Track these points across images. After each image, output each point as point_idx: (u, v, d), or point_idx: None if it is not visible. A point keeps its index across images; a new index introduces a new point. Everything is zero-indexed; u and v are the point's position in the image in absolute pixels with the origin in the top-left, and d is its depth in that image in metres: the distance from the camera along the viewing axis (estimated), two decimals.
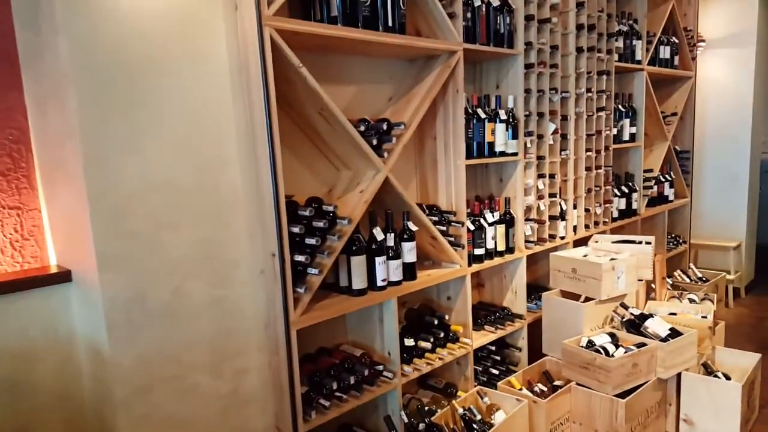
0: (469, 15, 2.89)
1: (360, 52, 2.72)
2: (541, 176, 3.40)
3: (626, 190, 4.23)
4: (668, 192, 4.80)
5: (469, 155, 2.95)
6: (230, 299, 2.27)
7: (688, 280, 4.65)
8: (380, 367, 2.53)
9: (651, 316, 2.96)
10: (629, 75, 4.35)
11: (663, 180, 4.71)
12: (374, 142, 2.46)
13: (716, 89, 5.19)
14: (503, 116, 3.12)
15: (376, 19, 2.45)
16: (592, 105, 3.79)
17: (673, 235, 4.98)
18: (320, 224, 2.27)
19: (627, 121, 4.24)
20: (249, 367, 2.32)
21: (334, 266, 2.50)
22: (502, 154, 3.14)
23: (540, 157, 3.39)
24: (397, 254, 2.61)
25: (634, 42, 4.22)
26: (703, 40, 5.12)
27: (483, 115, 3.03)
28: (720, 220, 5.22)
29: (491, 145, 3.10)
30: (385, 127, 2.50)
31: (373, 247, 2.52)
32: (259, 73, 2.09)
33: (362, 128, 2.44)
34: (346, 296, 2.49)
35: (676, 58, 4.76)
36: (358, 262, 2.46)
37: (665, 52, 4.60)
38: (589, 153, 3.79)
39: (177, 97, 2.06)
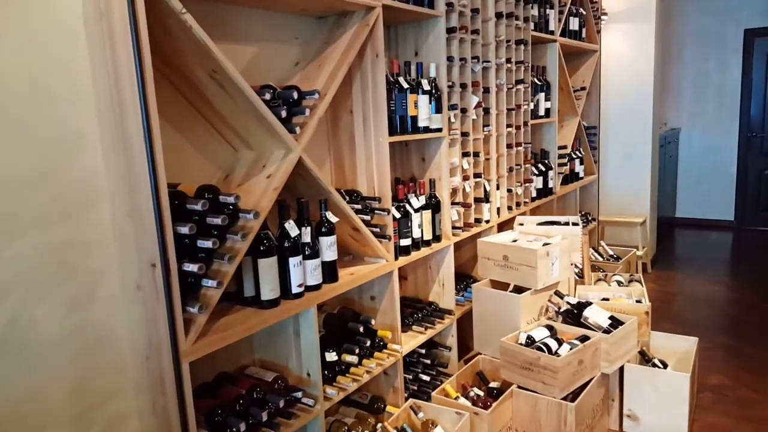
0: None
1: (256, 3, 2.18)
2: (465, 155, 3.07)
3: (543, 169, 4.04)
4: (578, 169, 4.71)
5: (391, 131, 2.53)
6: (95, 325, 1.69)
7: (600, 259, 4.60)
8: (298, 394, 2.06)
9: (589, 304, 2.74)
10: (542, 47, 4.13)
11: (574, 157, 4.60)
12: (283, 114, 1.96)
13: (618, 64, 5.17)
14: (426, 86, 2.73)
15: None
16: (511, 77, 3.51)
17: (583, 213, 4.92)
18: (217, 221, 1.74)
19: (542, 96, 4.03)
20: (126, 413, 1.76)
21: (237, 272, 1.98)
22: (426, 129, 2.76)
23: (464, 134, 3.04)
24: (314, 252, 2.14)
25: (548, 11, 4.00)
26: (605, 13, 5.06)
27: (405, 85, 2.61)
28: (624, 195, 5.25)
29: (414, 119, 2.70)
30: (295, 95, 2.01)
31: (286, 245, 2.04)
32: (126, 21, 1.51)
33: (267, 96, 1.92)
34: (254, 309, 1.99)
35: (584, 30, 4.64)
36: (268, 266, 1.96)
37: (574, 24, 4.45)
38: (509, 129, 3.51)
39: (5, 54, 1.44)
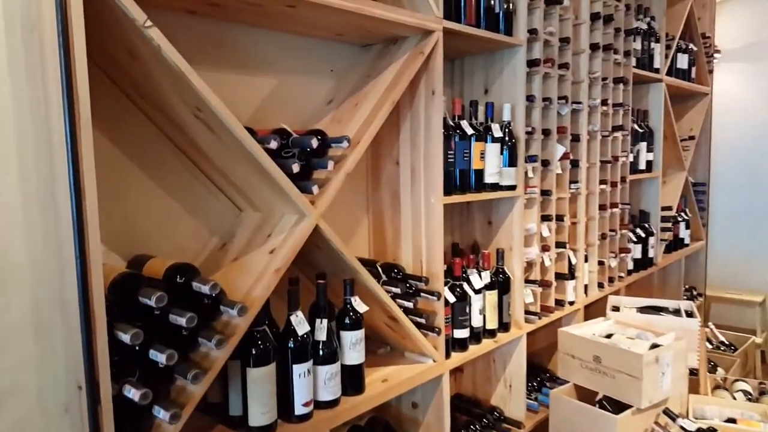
0: None
1: (278, 24, 1.69)
2: (545, 218, 2.42)
3: (642, 234, 3.29)
4: (684, 234, 3.90)
5: (448, 188, 1.95)
6: None
7: (709, 346, 3.74)
8: None
9: (713, 431, 1.98)
10: (644, 87, 3.44)
11: (680, 219, 3.81)
12: (295, 168, 1.42)
13: (732, 109, 4.37)
14: (497, 133, 2.14)
15: None
16: (607, 122, 2.86)
17: (686, 287, 4.07)
18: (182, 320, 1.21)
19: (643, 146, 3.32)
20: None
21: (220, 377, 1.43)
22: (495, 187, 2.15)
23: (545, 192, 2.41)
24: (332, 353, 1.57)
25: (653, 45, 3.32)
26: (718, 51, 4.30)
27: (470, 131, 2.03)
28: (737, 266, 4.35)
29: (479, 174, 2.11)
30: (314, 144, 1.47)
31: (290, 345, 1.47)
32: (54, 32, 1.04)
33: (273, 144, 1.39)
34: None
35: (693, 70, 3.90)
36: (260, 378, 1.40)
37: (683, 62, 3.73)
38: (603, 186, 2.84)
39: None
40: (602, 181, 2.83)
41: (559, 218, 2.50)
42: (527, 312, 2.33)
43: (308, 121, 1.86)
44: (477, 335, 2.11)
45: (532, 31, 2.24)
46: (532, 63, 2.26)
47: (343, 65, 1.98)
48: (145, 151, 1.49)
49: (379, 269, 1.83)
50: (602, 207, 2.84)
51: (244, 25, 1.68)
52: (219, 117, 1.26)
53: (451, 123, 1.99)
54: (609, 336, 2.26)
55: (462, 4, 1.98)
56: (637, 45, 3.13)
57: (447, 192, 1.94)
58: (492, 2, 2.09)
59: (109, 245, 1.43)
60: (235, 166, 1.47)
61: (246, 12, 1.54)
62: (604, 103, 2.77)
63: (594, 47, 2.65)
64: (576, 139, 2.59)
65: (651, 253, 3.38)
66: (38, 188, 1.17)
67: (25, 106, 1.16)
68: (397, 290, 1.75)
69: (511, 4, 2.15)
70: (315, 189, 1.47)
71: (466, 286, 2.06)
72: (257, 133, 1.49)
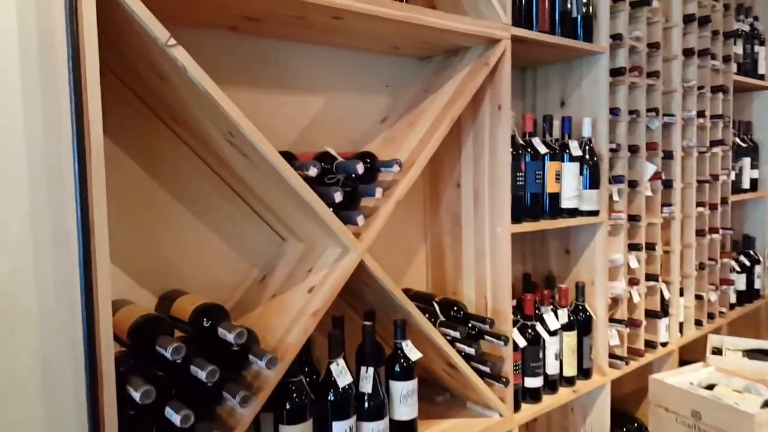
0: None
1: (326, 38, 1.55)
2: (634, 247, 2.13)
3: (747, 263, 2.88)
4: None
5: (517, 215, 1.72)
6: None
7: None
8: None
9: None
10: (746, 96, 3.06)
11: None
12: (337, 197, 1.25)
13: None
14: (576, 151, 1.89)
15: None
16: (704, 137, 2.52)
17: None
18: (202, 375, 1.06)
19: (746, 162, 2.92)
20: None
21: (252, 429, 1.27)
22: (574, 212, 1.89)
23: (633, 217, 2.12)
24: (379, 407, 1.38)
25: (756, 48, 2.94)
26: None
27: (543, 149, 1.80)
28: None
29: (554, 197, 1.86)
30: (360, 169, 1.30)
31: (331, 398, 1.30)
32: (65, 55, 0.94)
33: (312, 171, 1.23)
34: None
35: None
36: None
37: None
38: (701, 209, 2.49)
39: None
40: (700, 203, 2.48)
41: (650, 247, 2.20)
42: (612, 356, 2.03)
43: (360, 141, 1.70)
44: (552, 384, 1.85)
45: (616, 37, 1.98)
46: (615, 72, 2.00)
47: (400, 80, 1.80)
48: (181, 179, 1.37)
49: (437, 307, 1.63)
50: (700, 233, 2.49)
51: (289, 41, 1.55)
52: (251, 142, 1.11)
53: (521, 141, 1.77)
54: (711, 387, 1.93)
55: (534, 8, 1.76)
56: (738, 49, 2.77)
57: (515, 219, 1.72)
58: (569, 6, 1.85)
59: (140, 281, 1.32)
60: (274, 195, 1.33)
61: (289, 26, 1.40)
62: (700, 114, 2.44)
63: (688, 53, 2.34)
64: (668, 156, 2.28)
65: (757, 284, 2.95)
66: (50, 225, 1.06)
67: (38, 133, 1.07)
68: (457, 334, 1.54)
69: (590, 8, 1.91)
70: (360, 219, 1.30)
71: (539, 326, 1.81)
72: (298, 158, 1.34)
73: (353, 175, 1.32)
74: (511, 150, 1.67)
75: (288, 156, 1.27)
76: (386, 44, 1.64)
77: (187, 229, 1.39)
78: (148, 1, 0.97)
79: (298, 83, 1.58)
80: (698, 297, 2.50)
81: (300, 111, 1.58)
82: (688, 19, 2.34)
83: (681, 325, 2.39)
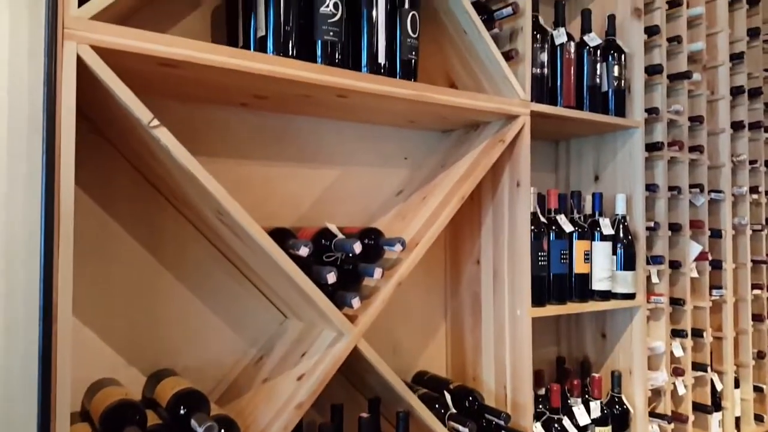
0: (543, 58, 1.66)
1: (339, 113, 1.54)
2: (677, 333, 1.95)
3: None
4: None
5: (539, 297, 1.61)
6: None
7: None
8: None
9: None
10: None
11: None
12: (330, 278, 1.20)
13: None
14: (607, 229, 1.77)
15: (357, 47, 1.30)
16: (759, 213, 2.33)
17: None
18: None
19: None
20: None
21: None
22: (606, 295, 1.76)
23: (675, 301, 1.95)
24: None
25: None
26: None
27: (569, 228, 1.69)
28: None
29: (583, 279, 1.74)
30: (357, 248, 1.24)
31: None
32: (39, 147, 0.95)
33: (303, 251, 1.19)
34: None
35: None
36: None
37: None
38: (757, 292, 2.27)
39: None
40: (755, 285, 2.27)
41: (697, 333, 2.00)
42: None
43: (375, 214, 1.66)
44: None
45: (652, 111, 1.89)
46: (652, 147, 1.90)
47: (420, 152, 1.77)
48: (182, 253, 1.36)
49: (447, 398, 1.51)
50: (757, 317, 2.26)
51: (303, 116, 1.55)
52: (238, 222, 1.09)
53: (543, 219, 1.67)
54: None
55: (559, 83, 1.71)
56: None
57: (538, 301, 1.61)
58: (597, 81, 1.79)
59: (129, 359, 1.29)
60: (269, 273, 1.29)
61: (297, 103, 1.41)
62: (753, 190, 2.26)
63: (737, 126, 2.20)
64: (717, 234, 2.11)
65: None
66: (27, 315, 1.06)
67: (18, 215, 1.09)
68: (466, 430, 1.41)
69: (623, 81, 1.83)
70: (355, 302, 1.24)
71: (566, 421, 1.65)
72: (297, 234, 1.31)
73: (350, 255, 1.27)
74: (532, 228, 1.59)
75: (283, 234, 1.25)
76: (402, 118, 1.62)
77: (185, 305, 1.37)
78: (132, 78, 0.98)
79: (312, 156, 1.57)
80: (757, 389, 2.24)
81: (313, 183, 1.56)
82: (736, 91, 2.22)
83: (737, 420, 2.14)
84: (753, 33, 2.31)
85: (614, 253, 1.80)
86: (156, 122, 1.01)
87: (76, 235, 0.93)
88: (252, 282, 1.45)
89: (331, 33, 1.22)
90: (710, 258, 2.06)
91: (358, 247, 1.25)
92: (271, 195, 1.49)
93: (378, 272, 1.27)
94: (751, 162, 2.26)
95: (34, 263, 1.03)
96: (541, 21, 1.67)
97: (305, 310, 1.33)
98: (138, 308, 1.30)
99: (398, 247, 1.30)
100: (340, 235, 1.32)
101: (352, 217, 1.61)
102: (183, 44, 1.02)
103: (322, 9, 1.21)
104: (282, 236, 1.21)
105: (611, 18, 1.85)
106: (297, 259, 1.16)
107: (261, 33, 1.17)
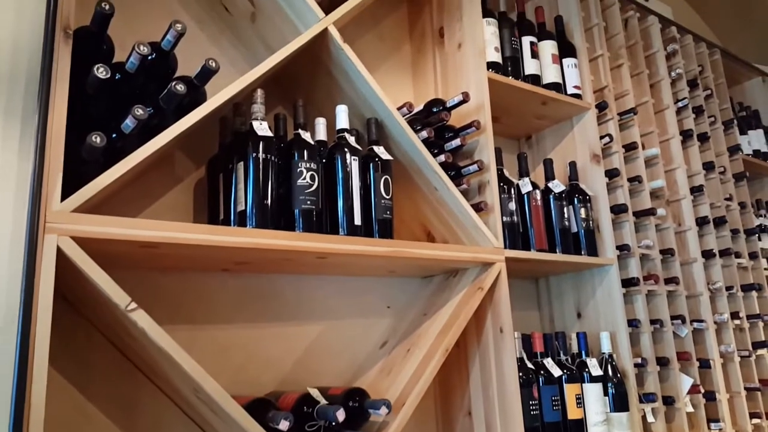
0: (512, 206, 1.73)
1: (320, 270, 1.57)
2: None
3: None
4: None
5: None
6: None
7: None
8: None
9: None
10: None
11: None
12: None
13: None
14: (596, 370, 1.75)
15: (334, 211, 1.36)
16: (744, 338, 2.33)
17: None
18: None
19: None
20: None
21: None
22: None
23: None
24: None
25: None
26: None
27: (557, 372, 1.67)
28: None
29: (578, 425, 1.69)
30: (340, 416, 1.20)
31: None
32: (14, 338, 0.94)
33: (283, 425, 1.14)
34: None
35: None
36: None
37: None
38: (756, 421, 2.21)
39: None
40: (753, 414, 2.21)
41: None
42: None
43: (360, 369, 1.63)
44: None
45: (623, 248, 1.95)
46: (628, 282, 1.93)
47: (402, 300, 1.78)
48: (156, 429, 1.30)
49: None
50: None
51: (284, 274, 1.57)
52: (215, 400, 1.06)
53: (530, 365, 1.65)
54: None
55: (529, 228, 1.77)
56: (766, 243, 2.68)
57: None
58: (566, 223, 1.86)
59: None
60: None
61: (278, 265, 1.43)
62: (734, 316, 2.28)
63: (708, 254, 2.27)
64: (706, 365, 2.09)
65: None
66: None
67: None
68: None
69: (591, 222, 1.91)
70: None
71: None
72: (278, 403, 1.27)
73: (332, 424, 1.22)
74: (520, 374, 1.56)
75: (263, 405, 1.21)
76: (382, 269, 1.65)
77: None
78: (114, 260, 1.00)
79: (294, 313, 1.56)
80: None
81: (296, 342, 1.55)
82: (701, 221, 2.32)
83: None
84: (708, 166, 2.45)
85: (605, 393, 1.76)
86: (133, 305, 1.01)
87: (50, 420, 0.90)
88: None
89: (309, 202, 1.28)
90: (702, 390, 2.02)
91: (341, 415, 1.20)
92: (253, 359, 1.46)
93: None
94: (728, 288, 2.30)
95: None
96: (506, 173, 1.77)
97: None
98: None
99: (384, 410, 1.26)
100: (323, 401, 1.28)
101: (337, 374, 1.58)
102: (163, 227, 1.06)
103: (300, 181, 1.27)
104: (261, 408, 1.17)
105: (572, 164, 1.97)
106: None
107: (240, 207, 1.22)
